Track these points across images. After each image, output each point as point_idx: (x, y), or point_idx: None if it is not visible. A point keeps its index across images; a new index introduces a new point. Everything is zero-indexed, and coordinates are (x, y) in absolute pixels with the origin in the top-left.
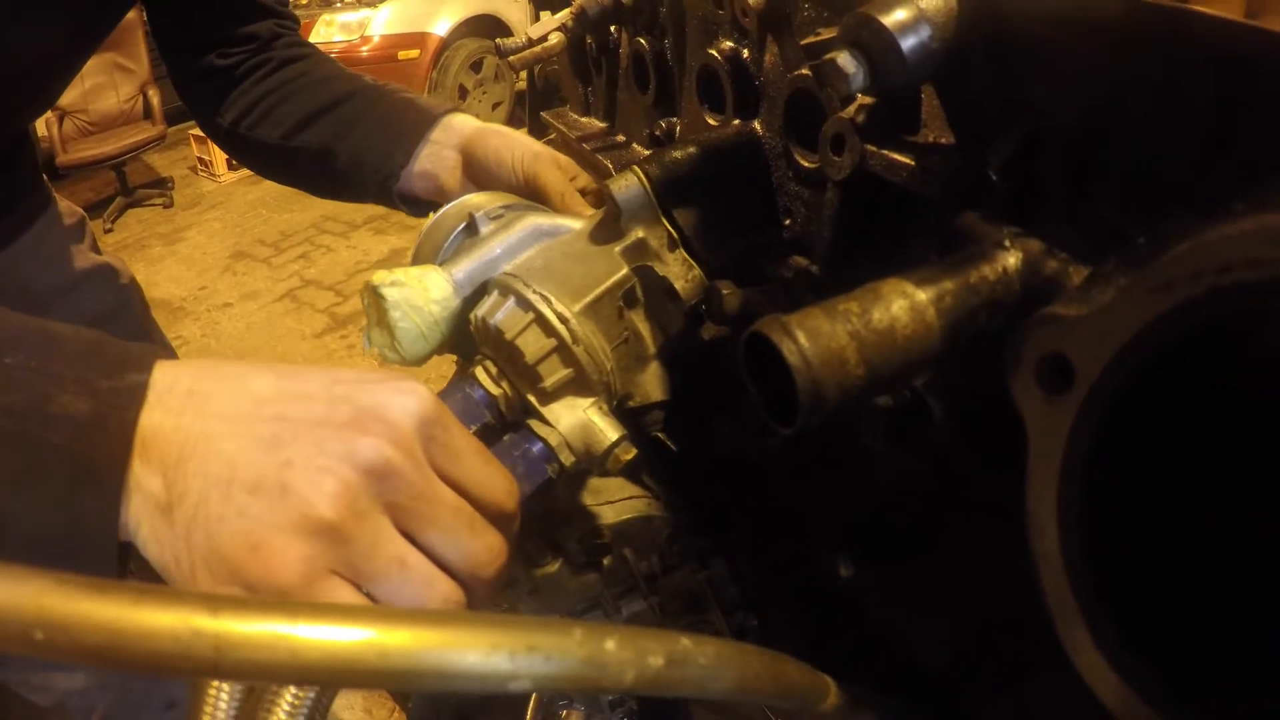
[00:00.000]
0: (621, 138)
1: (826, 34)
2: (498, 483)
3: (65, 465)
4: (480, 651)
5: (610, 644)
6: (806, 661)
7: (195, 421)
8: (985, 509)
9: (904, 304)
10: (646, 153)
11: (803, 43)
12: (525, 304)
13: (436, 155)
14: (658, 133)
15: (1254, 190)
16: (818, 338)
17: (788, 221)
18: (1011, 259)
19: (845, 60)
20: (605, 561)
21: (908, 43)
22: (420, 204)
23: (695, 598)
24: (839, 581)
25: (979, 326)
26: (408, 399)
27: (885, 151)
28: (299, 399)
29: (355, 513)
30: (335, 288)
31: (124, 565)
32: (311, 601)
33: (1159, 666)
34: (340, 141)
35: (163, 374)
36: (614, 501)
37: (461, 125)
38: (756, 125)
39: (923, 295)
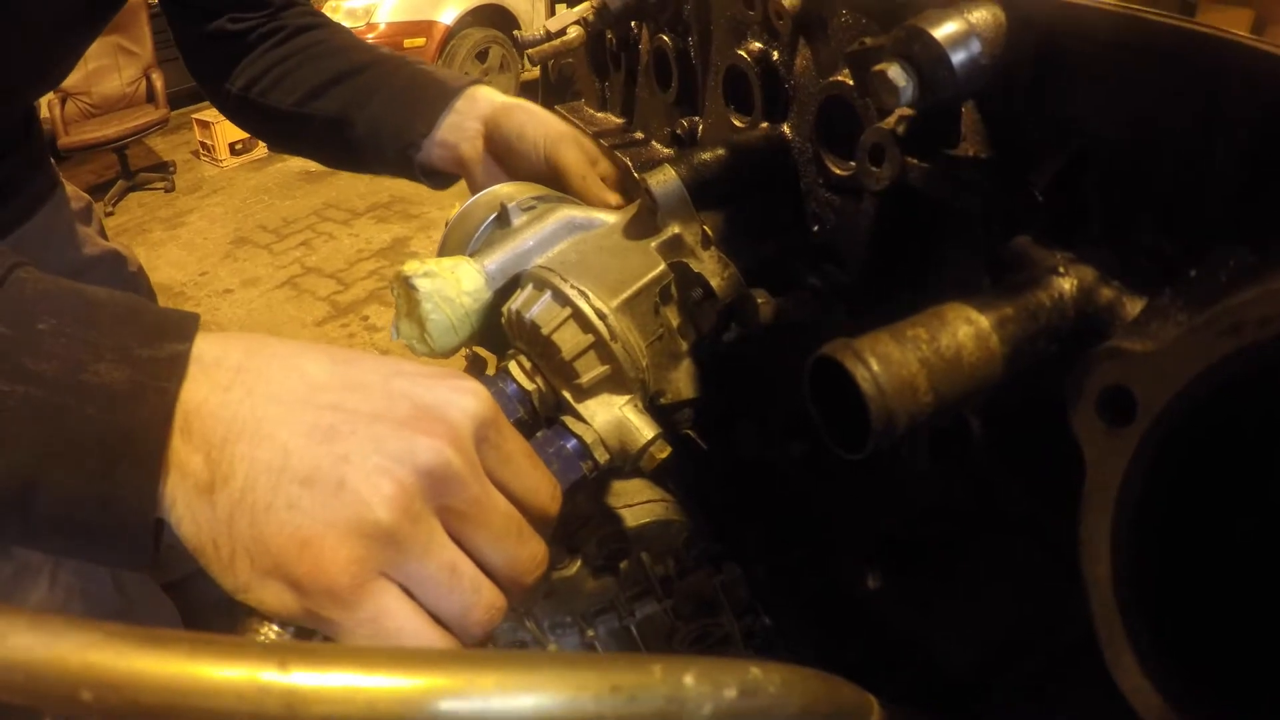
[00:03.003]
0: (640, 135)
1: (872, 43)
2: (544, 488)
3: (100, 438)
4: (566, 694)
5: (689, 679)
6: (825, 667)
7: (244, 400)
8: (1016, 524)
9: (969, 330)
10: (667, 151)
11: (847, 51)
12: (562, 298)
13: (459, 125)
14: (679, 131)
15: None
16: (890, 365)
17: (816, 228)
18: (1066, 285)
19: (896, 73)
20: (622, 565)
21: (958, 57)
22: (437, 175)
23: (708, 601)
24: (862, 589)
25: (1037, 353)
26: (467, 399)
27: (925, 165)
28: (356, 389)
29: (410, 516)
30: (336, 275)
31: (157, 543)
32: (382, 646)
33: (1204, 691)
34: (357, 109)
35: (209, 346)
36: (633, 505)
37: (488, 97)
38: (785, 129)
39: (986, 321)
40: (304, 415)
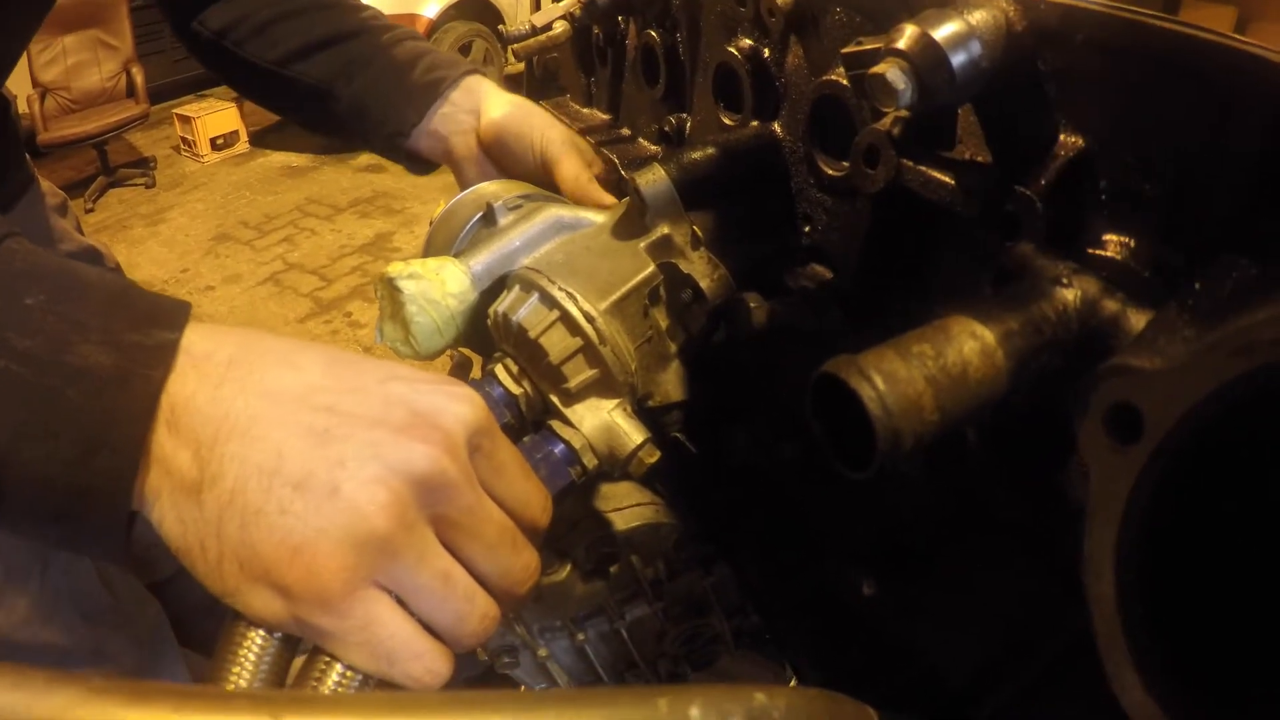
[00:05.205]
0: (626, 131)
1: (870, 43)
2: (536, 499)
3: (79, 422)
4: None
5: (695, 710)
6: (819, 673)
7: (237, 397)
8: (1011, 531)
9: (974, 346)
10: (654, 148)
11: (844, 52)
12: (550, 301)
13: (451, 116)
14: (667, 128)
15: None
16: (896, 383)
17: (807, 228)
18: (1070, 296)
19: (895, 76)
20: (612, 569)
21: (958, 59)
22: (422, 162)
23: (699, 602)
24: (856, 595)
25: (1041, 366)
26: (463, 406)
27: (922, 167)
28: (352, 391)
29: (405, 525)
30: (319, 272)
31: (129, 537)
32: (378, 694)
33: (1206, 707)
34: (343, 82)
35: (200, 338)
36: (623, 509)
37: (484, 90)
38: (776, 127)
39: (991, 336)
40: (299, 415)
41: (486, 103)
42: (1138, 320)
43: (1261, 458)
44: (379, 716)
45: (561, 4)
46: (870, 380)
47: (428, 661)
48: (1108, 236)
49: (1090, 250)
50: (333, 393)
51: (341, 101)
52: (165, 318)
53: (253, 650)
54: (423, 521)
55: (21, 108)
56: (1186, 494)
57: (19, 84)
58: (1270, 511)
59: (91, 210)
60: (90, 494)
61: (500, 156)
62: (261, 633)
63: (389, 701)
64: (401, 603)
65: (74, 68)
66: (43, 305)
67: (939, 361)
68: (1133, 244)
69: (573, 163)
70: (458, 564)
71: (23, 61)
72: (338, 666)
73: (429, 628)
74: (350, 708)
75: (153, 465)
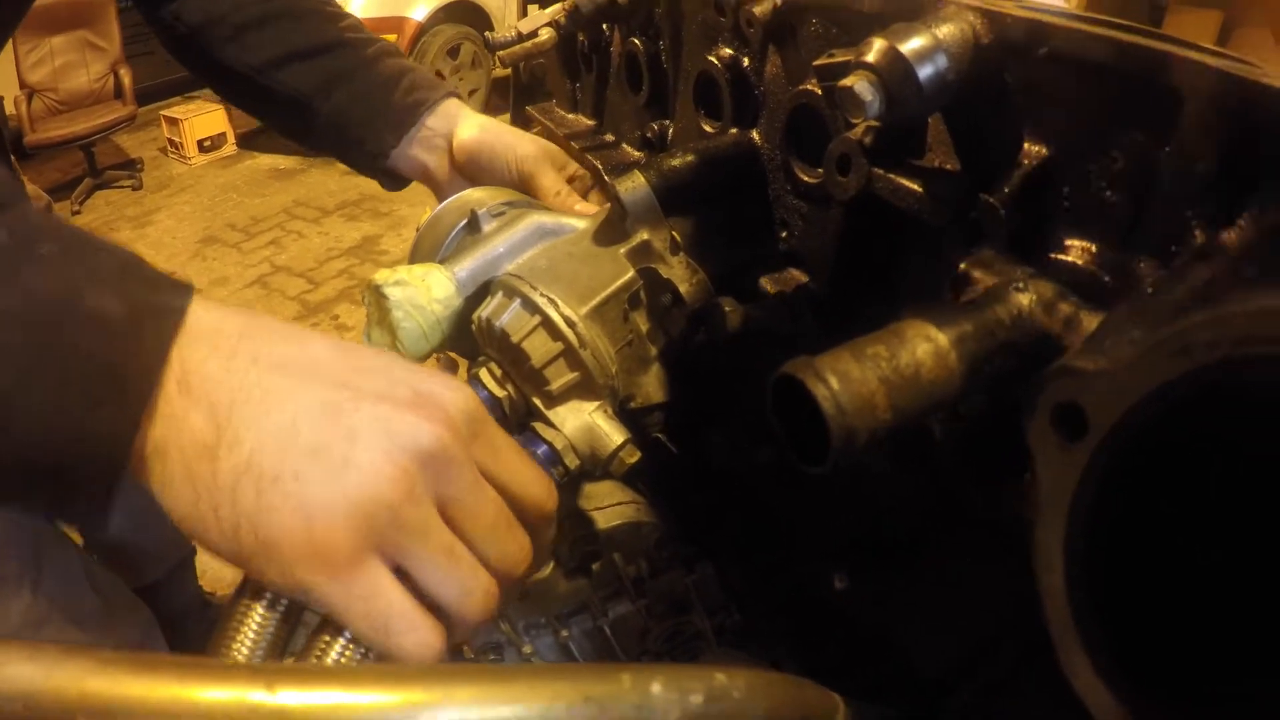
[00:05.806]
0: (610, 137)
1: (841, 56)
2: (539, 482)
3: (87, 370)
4: (540, 705)
5: (656, 687)
6: (796, 666)
7: (250, 369)
8: (978, 525)
9: (928, 348)
10: (637, 154)
11: (815, 64)
12: (532, 306)
13: (428, 140)
14: (649, 135)
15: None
16: (850, 383)
17: (784, 234)
18: (1025, 300)
19: (863, 88)
20: (595, 566)
21: (924, 72)
22: (399, 180)
23: (681, 600)
24: (830, 590)
25: (995, 368)
26: (458, 393)
27: (892, 175)
28: (359, 370)
29: (412, 498)
30: (306, 274)
31: (111, 495)
32: (363, 666)
33: (1156, 690)
34: (322, 97)
35: (207, 311)
36: (605, 507)
37: (456, 114)
38: (755, 135)
39: (944, 339)
40: (312, 389)
41: (458, 126)
42: (1091, 323)
43: (1205, 455)
44: (363, 685)
45: (547, 11)
46: (825, 381)
47: (422, 634)
48: (1070, 242)
49: (1053, 255)
50: (341, 370)
51: (319, 115)
52: (172, 289)
53: (253, 625)
54: (428, 497)
55: (8, 109)
56: (1137, 486)
57: (6, 85)
58: (1213, 506)
59: (78, 212)
60: (88, 443)
61: (476, 175)
62: (261, 609)
63: (373, 672)
64: (408, 578)
65: (61, 69)
66: (57, 254)
67: (892, 363)
68: (1094, 249)
69: (550, 176)
70: (460, 541)
71: (10, 63)
72: (336, 647)
73: (434, 602)
74: (337, 678)
75: (159, 420)
